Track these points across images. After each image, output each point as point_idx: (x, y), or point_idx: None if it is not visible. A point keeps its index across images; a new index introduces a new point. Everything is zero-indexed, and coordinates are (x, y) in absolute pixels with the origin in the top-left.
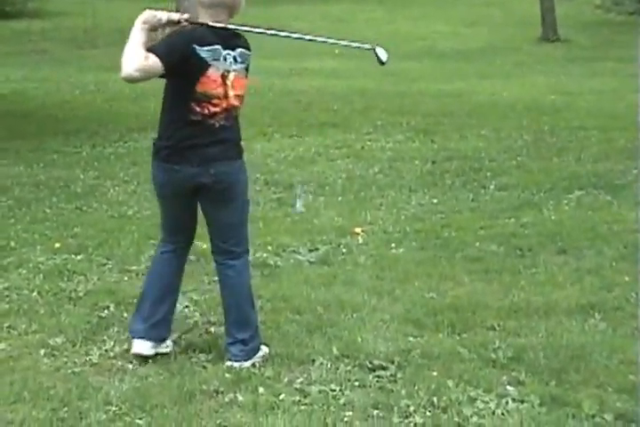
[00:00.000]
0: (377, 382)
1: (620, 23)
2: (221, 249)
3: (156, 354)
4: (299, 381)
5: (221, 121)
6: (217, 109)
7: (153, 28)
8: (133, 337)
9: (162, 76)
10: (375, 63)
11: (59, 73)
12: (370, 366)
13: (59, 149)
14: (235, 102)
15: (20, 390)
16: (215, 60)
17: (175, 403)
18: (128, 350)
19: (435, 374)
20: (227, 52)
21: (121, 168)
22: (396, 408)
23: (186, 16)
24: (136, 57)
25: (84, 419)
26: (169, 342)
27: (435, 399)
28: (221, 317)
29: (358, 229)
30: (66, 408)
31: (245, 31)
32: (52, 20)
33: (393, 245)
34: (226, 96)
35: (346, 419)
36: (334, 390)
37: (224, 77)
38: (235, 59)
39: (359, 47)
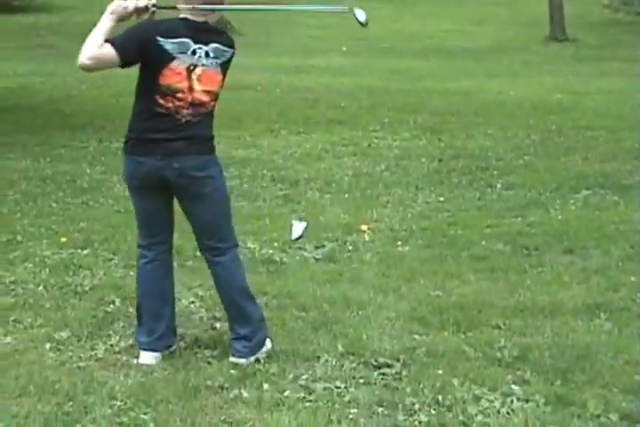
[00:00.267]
0: (382, 379)
1: (628, 23)
2: (207, 246)
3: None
4: (304, 377)
5: (188, 116)
6: (181, 103)
7: (121, 17)
8: (140, 348)
9: (123, 67)
10: (382, 61)
11: (65, 67)
12: (375, 363)
13: (65, 143)
14: (203, 98)
15: (25, 384)
16: (181, 53)
17: (180, 398)
18: (133, 346)
19: (440, 372)
20: (198, 46)
21: None
22: (400, 406)
23: (153, 1)
24: (92, 45)
25: (88, 413)
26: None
27: (440, 398)
28: None
29: (364, 227)
30: (71, 403)
31: (214, 9)
32: (60, 15)
33: (399, 242)
34: (191, 90)
35: (351, 416)
36: (339, 388)
37: (189, 71)
38: (206, 53)
39: (335, 11)
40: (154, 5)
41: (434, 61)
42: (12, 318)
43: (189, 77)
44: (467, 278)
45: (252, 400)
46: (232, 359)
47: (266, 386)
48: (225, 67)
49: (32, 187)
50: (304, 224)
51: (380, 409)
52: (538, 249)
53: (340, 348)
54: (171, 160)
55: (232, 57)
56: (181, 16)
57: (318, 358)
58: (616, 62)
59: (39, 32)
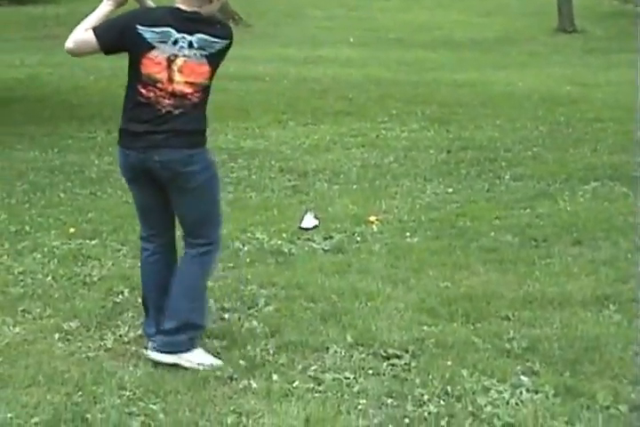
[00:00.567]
0: (391, 370)
1: (637, 14)
2: (184, 237)
3: None
4: (313, 368)
5: (168, 107)
6: (162, 93)
7: (119, 2)
8: (149, 338)
9: (107, 53)
10: (390, 52)
11: (73, 58)
12: (384, 354)
13: (73, 134)
14: (185, 89)
15: (34, 373)
16: (162, 42)
17: (189, 389)
18: (142, 336)
19: (449, 363)
20: (181, 35)
21: None
22: (409, 397)
23: None
24: (79, 29)
25: (98, 403)
26: None
27: (449, 388)
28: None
29: (373, 218)
30: (80, 393)
31: None
32: (67, 6)
33: (407, 233)
34: (170, 81)
35: (360, 407)
36: (348, 378)
37: (170, 61)
38: (190, 44)
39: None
40: None
41: (442, 52)
42: (20, 309)
43: (169, 68)
44: (476, 270)
45: (261, 391)
46: (147, 352)
47: (275, 377)
48: (214, 58)
49: (40, 177)
50: (316, 222)
51: (389, 400)
52: (547, 240)
53: (348, 339)
54: (152, 153)
55: (226, 48)
56: (175, 5)
57: (327, 348)
58: (625, 54)
59: (46, 23)
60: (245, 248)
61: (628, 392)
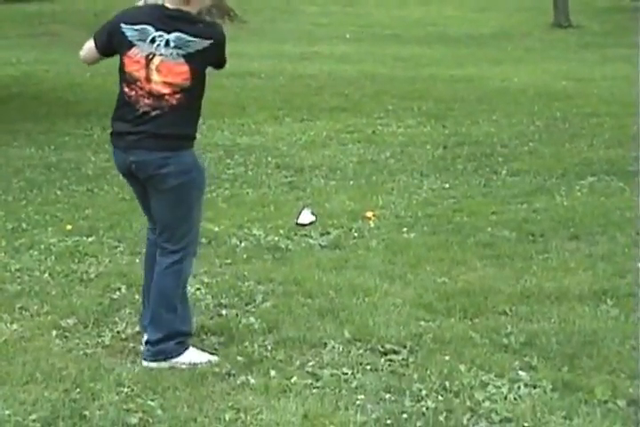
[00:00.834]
0: (389, 365)
1: (633, 9)
2: (158, 242)
3: None
4: (310, 364)
5: (146, 107)
6: (142, 93)
7: None
8: (145, 331)
9: (106, 56)
10: (385, 48)
11: (69, 56)
12: (382, 349)
13: (70, 131)
14: (162, 89)
15: (32, 370)
16: (140, 40)
17: (187, 385)
18: (140, 333)
19: (447, 358)
20: (159, 33)
21: None
22: (407, 392)
23: None
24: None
25: (96, 400)
26: None
27: (447, 384)
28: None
29: (370, 214)
30: (78, 389)
31: None
32: (63, 3)
33: (404, 229)
34: (148, 80)
35: (358, 402)
36: (346, 374)
37: (148, 60)
38: (167, 42)
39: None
40: None
41: (438, 48)
42: (18, 306)
43: (147, 67)
44: (473, 265)
45: (258, 387)
46: (143, 362)
47: (273, 373)
48: (192, 58)
49: (37, 175)
50: (312, 218)
51: (387, 395)
52: (544, 235)
53: (346, 334)
54: (129, 153)
55: (208, 49)
56: (159, 3)
57: (325, 344)
58: (621, 49)
59: (42, 20)
60: (242, 244)
61: (625, 387)
